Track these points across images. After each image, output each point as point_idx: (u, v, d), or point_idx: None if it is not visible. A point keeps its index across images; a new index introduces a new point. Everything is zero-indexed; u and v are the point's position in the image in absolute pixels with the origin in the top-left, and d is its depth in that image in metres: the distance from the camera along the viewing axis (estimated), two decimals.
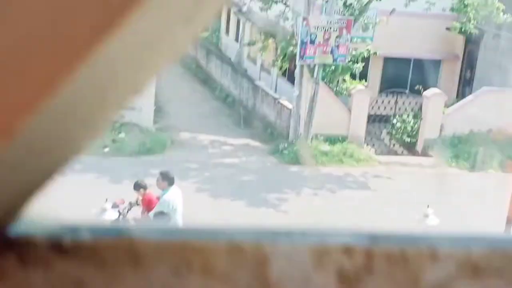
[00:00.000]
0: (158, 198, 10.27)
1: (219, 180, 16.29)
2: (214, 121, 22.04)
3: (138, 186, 10.62)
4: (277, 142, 19.15)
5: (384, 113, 20.84)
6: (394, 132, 20.63)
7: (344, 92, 20.05)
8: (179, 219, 10.25)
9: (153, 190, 10.61)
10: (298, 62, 19.05)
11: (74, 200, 13.76)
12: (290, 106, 19.64)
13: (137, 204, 10.79)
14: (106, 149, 17.29)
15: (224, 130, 20.98)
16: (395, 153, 20.11)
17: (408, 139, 20.10)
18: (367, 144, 20.09)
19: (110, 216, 7.29)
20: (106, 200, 7.38)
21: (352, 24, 18.88)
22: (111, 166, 16.38)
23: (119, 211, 10.46)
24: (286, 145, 18.65)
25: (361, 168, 18.22)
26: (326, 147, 18.75)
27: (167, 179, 10.22)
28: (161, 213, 9.96)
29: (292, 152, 18.14)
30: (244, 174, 16.99)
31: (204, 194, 15.20)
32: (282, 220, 14.11)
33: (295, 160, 17.97)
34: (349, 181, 17.21)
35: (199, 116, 22.47)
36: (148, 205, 10.36)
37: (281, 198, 15.43)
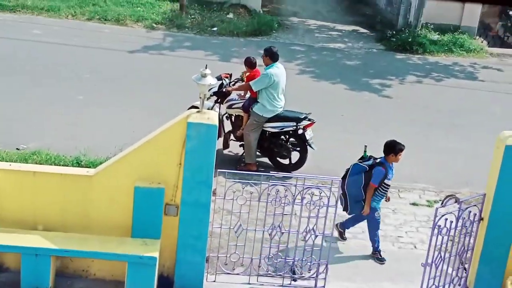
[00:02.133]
0: None
1: (323, 63, 16.39)
2: (323, 7, 21.87)
3: (249, 63, 10.81)
4: (385, 29, 18.86)
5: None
6: (509, 23, 19.75)
7: None
8: (281, 94, 10.56)
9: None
10: None
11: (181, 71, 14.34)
12: None
13: (241, 80, 11.15)
14: (215, 29, 17.67)
15: (333, 16, 20.82)
16: (509, 46, 19.35)
17: None
18: (480, 36, 19.42)
19: (209, 81, 7.61)
20: (206, 66, 7.71)
21: None
22: (219, 44, 16.78)
23: (222, 82, 10.88)
24: (394, 32, 18.35)
25: (471, 58, 17.75)
26: (435, 35, 18.30)
27: (270, 55, 10.46)
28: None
29: (400, 39, 17.86)
30: (349, 59, 16.98)
31: (306, 76, 15.38)
32: (382, 105, 14.16)
33: (402, 47, 17.71)
34: (456, 70, 16.86)
35: (308, 1, 22.32)
36: (251, 79, 10.62)
37: (384, 84, 15.39)
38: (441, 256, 7.71)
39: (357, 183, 8.60)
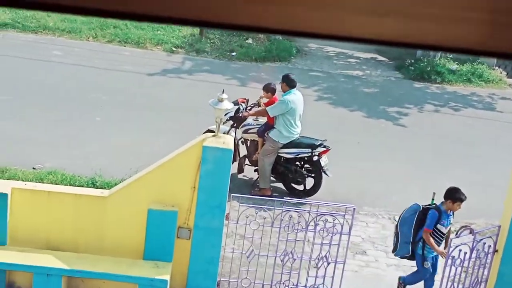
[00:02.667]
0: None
1: (341, 90, 16.41)
2: None
3: (269, 89, 10.74)
4: (404, 57, 18.88)
5: None
6: None
7: None
8: (298, 120, 10.58)
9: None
10: None
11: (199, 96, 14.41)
12: None
13: (258, 105, 11.16)
14: (234, 53, 17.78)
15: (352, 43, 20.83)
16: None
17: None
18: (499, 66, 19.37)
19: (226, 106, 7.67)
20: (223, 91, 7.76)
21: None
22: (237, 69, 16.88)
23: (239, 107, 10.92)
24: (413, 61, 18.37)
25: (489, 89, 17.69)
26: (454, 65, 18.29)
27: (288, 81, 10.52)
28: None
29: (419, 68, 17.87)
30: (366, 86, 16.99)
31: (324, 102, 15.40)
32: (398, 133, 14.12)
33: (421, 76, 17.71)
34: (474, 100, 16.81)
35: None
36: (269, 105, 10.63)
37: (401, 112, 15.37)
38: (454, 287, 7.64)
39: (408, 222, 8.16)
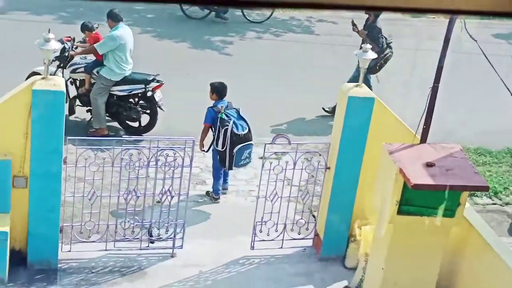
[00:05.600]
0: None
1: (165, 22, 16.22)
2: None
3: (85, 27, 10.67)
4: None
5: None
6: None
7: None
8: (129, 56, 10.40)
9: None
10: None
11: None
12: None
13: (84, 42, 10.86)
14: None
15: None
16: None
17: None
18: None
19: (54, 46, 7.33)
20: (49, 30, 7.39)
21: None
22: (54, 5, 16.08)
23: (64, 46, 10.50)
24: None
25: (307, 12, 18.29)
26: None
27: (111, 16, 10.33)
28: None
29: None
30: (190, 16, 16.91)
31: (148, 35, 15.19)
32: (225, 62, 14.30)
33: None
34: (293, 24, 17.34)
35: None
36: (94, 42, 10.44)
37: (225, 41, 15.54)
38: (276, 193, 8.13)
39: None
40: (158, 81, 10.50)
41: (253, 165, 10.33)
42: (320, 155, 8.42)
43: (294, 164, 8.12)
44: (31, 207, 7.43)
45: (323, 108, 12.07)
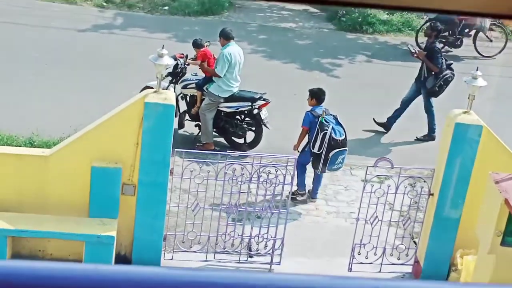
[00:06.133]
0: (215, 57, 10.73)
1: (275, 43, 16.48)
2: None
3: (195, 44, 11.06)
4: (336, 9, 19.04)
5: None
6: None
7: None
8: (237, 73, 10.67)
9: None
10: None
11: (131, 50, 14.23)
12: None
13: (195, 59, 11.23)
14: (166, 8, 17.57)
15: None
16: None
17: None
18: (427, 15, 19.77)
19: (167, 61, 7.66)
20: (163, 46, 7.73)
21: None
22: (170, 23, 16.69)
23: (177, 62, 10.91)
24: (344, 12, 18.55)
25: (419, 38, 18.05)
26: (385, 15, 18.58)
27: (224, 35, 10.59)
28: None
29: (350, 19, 18.07)
30: (300, 38, 17.11)
31: (258, 55, 15.46)
32: (333, 84, 14.34)
33: (353, 27, 17.93)
34: (404, 49, 17.15)
35: None
36: (203, 59, 10.79)
37: (334, 63, 15.59)
38: (377, 216, 8.04)
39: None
40: (264, 100, 10.70)
41: (355, 187, 10.31)
42: (424, 181, 8.30)
43: (397, 188, 8.05)
44: (137, 214, 7.74)
45: (374, 119, 12.05)
